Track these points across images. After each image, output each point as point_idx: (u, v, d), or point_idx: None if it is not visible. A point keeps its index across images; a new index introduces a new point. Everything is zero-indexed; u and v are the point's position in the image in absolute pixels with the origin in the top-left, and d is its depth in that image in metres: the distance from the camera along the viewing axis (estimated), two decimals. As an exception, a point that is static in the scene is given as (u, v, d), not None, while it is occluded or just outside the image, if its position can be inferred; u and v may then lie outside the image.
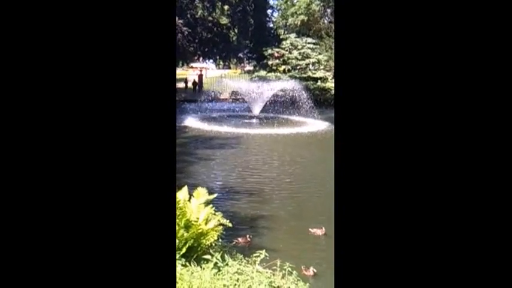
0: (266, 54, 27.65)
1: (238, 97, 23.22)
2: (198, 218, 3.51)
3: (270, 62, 27.62)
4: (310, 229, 5.98)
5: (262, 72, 26.70)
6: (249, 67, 36.83)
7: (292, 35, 28.39)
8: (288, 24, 33.75)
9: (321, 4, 31.02)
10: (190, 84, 29.65)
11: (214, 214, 3.77)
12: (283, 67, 27.12)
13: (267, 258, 3.30)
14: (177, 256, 3.12)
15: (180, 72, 35.30)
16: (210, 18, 29.92)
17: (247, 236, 5.67)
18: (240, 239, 5.43)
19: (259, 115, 19.06)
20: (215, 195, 3.94)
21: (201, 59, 34.18)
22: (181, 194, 3.75)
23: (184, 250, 3.33)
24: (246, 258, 3.42)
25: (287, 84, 20.78)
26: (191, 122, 17.46)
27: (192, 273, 2.91)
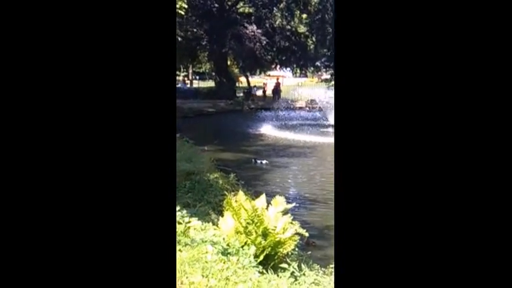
0: (344, 62, 27.21)
1: (314, 105, 23.09)
2: (275, 227, 3.54)
3: (347, 71, 27.14)
4: None
5: (340, 81, 26.27)
6: (326, 76, 36.48)
7: (372, 43, 27.74)
8: (367, 31, 33.01)
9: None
10: (269, 92, 30.07)
11: (292, 223, 3.78)
12: (361, 75, 26.56)
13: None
14: (255, 263, 3.16)
15: (258, 80, 35.81)
16: (288, 27, 30.07)
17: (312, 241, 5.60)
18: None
19: (336, 124, 18.78)
20: (293, 204, 3.95)
21: (278, 67, 34.43)
22: (260, 202, 3.81)
23: (261, 258, 3.37)
24: (323, 269, 3.39)
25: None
26: (267, 129, 17.62)
27: (270, 281, 2.94)
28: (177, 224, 3.61)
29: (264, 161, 11.27)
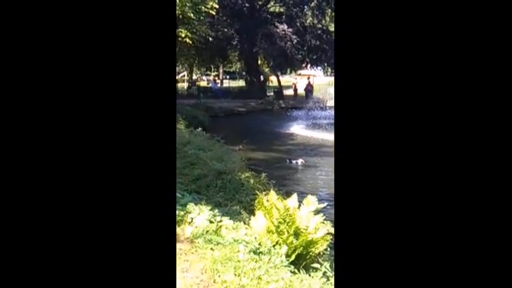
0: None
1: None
2: (307, 226, 3.53)
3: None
4: None
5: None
6: (357, 74, 36.05)
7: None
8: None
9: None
10: (300, 91, 29.99)
11: (323, 223, 3.76)
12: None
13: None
14: (286, 263, 3.16)
15: (288, 79, 35.72)
16: (319, 25, 29.88)
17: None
18: None
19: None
20: (325, 204, 3.93)
21: (308, 66, 34.24)
22: (291, 202, 3.80)
23: (293, 257, 3.37)
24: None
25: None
26: (298, 129, 17.56)
27: (302, 280, 2.93)
28: (208, 222, 3.65)
29: (300, 161, 10.75)
